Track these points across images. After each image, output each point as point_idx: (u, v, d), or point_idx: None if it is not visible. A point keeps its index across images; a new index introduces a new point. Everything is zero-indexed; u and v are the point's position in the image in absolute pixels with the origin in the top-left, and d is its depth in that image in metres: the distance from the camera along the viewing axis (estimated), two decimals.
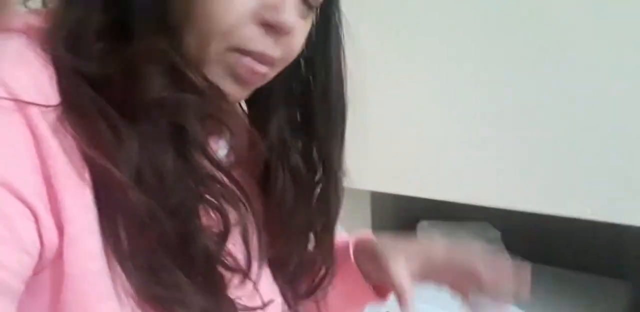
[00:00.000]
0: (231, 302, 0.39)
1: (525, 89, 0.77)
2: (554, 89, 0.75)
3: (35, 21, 0.37)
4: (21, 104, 0.32)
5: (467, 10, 0.79)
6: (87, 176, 0.34)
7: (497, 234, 1.03)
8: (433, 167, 0.85)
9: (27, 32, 0.36)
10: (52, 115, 0.33)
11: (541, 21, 0.75)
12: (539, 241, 1.03)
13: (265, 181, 0.48)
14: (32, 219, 0.32)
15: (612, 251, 1.01)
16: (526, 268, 0.51)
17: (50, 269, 0.33)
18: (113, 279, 0.34)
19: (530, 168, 0.79)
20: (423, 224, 1.10)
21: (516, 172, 0.80)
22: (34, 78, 0.34)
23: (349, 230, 0.60)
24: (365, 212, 1.12)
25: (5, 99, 0.32)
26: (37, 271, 0.33)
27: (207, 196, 0.38)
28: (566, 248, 1.03)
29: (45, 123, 0.33)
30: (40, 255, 0.32)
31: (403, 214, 1.17)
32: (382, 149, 0.85)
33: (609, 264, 1.00)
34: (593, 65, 0.73)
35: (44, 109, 0.33)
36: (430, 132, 0.84)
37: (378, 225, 1.11)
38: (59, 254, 0.33)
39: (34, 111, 0.33)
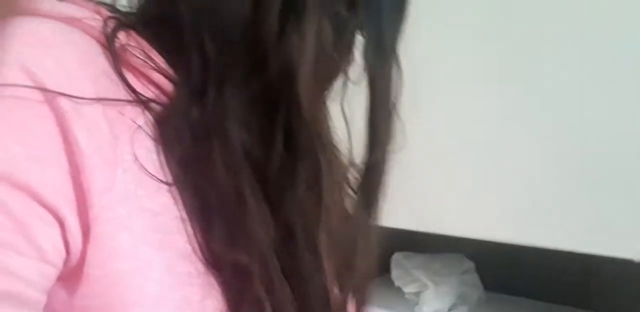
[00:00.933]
0: None
1: (494, 122, 0.81)
2: (528, 119, 0.79)
3: (74, 11, 0.35)
4: (49, 94, 0.30)
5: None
6: (119, 172, 0.32)
7: (471, 265, 1.04)
8: (406, 198, 0.87)
9: (71, 22, 0.34)
10: (86, 107, 0.32)
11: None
12: (512, 272, 1.06)
13: None
14: (56, 225, 0.30)
15: (582, 282, 1.03)
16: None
17: (69, 273, 0.31)
18: (147, 279, 0.33)
19: (503, 199, 0.81)
20: (397, 256, 1.11)
21: (489, 203, 0.82)
22: (71, 66, 0.32)
23: None
24: None
25: (30, 87, 0.30)
26: (60, 277, 0.31)
27: None
28: (537, 279, 1.05)
29: (77, 116, 0.31)
30: (65, 262, 0.31)
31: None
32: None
33: (578, 294, 1.02)
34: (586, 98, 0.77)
35: (75, 100, 0.31)
36: (404, 163, 0.86)
37: None
38: (82, 257, 0.31)
39: (64, 103, 0.31)
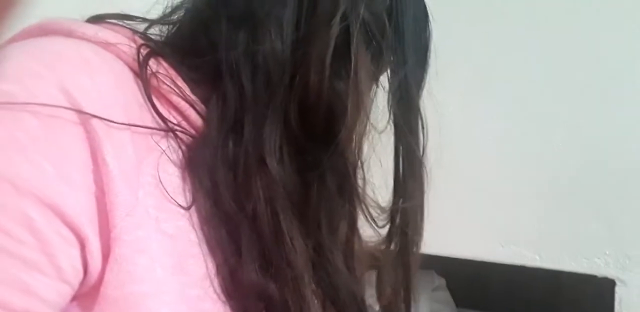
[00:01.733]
0: None
1: (467, 143, 0.82)
2: (498, 141, 0.80)
3: (110, 36, 0.36)
4: (83, 115, 0.31)
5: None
6: (140, 194, 0.33)
7: (442, 281, 1.05)
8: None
9: (106, 46, 0.35)
10: (116, 130, 0.32)
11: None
12: (483, 288, 1.06)
13: None
14: (77, 245, 0.30)
15: (550, 297, 1.04)
16: None
17: (87, 293, 0.32)
18: (161, 302, 0.33)
19: (474, 217, 0.82)
20: (368, 274, 1.10)
21: (462, 221, 0.83)
22: (106, 89, 0.32)
23: None
24: None
25: (67, 108, 0.30)
26: (74, 297, 0.31)
27: None
28: (508, 294, 1.06)
29: (107, 138, 0.31)
30: (82, 283, 0.31)
31: None
32: None
33: (546, 309, 1.03)
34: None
35: (107, 123, 0.31)
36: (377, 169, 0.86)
37: None
38: (100, 277, 0.31)
39: (96, 125, 0.31)
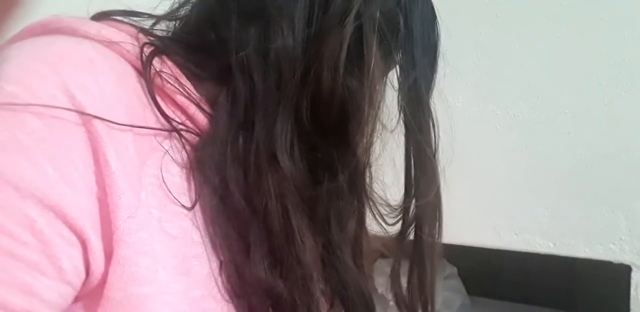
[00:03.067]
0: None
1: (477, 131, 0.81)
2: (508, 127, 0.79)
3: (113, 34, 0.35)
4: (85, 116, 0.30)
5: None
6: (143, 195, 0.33)
7: (453, 269, 1.04)
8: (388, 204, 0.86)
9: (109, 45, 0.34)
10: (118, 131, 0.32)
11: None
12: (495, 276, 1.05)
13: None
14: (79, 246, 0.30)
15: (565, 284, 1.04)
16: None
17: (89, 294, 0.31)
18: (164, 303, 0.33)
19: (484, 204, 0.81)
20: (380, 263, 1.10)
21: (474, 210, 0.82)
22: (108, 89, 0.32)
23: None
24: None
25: (69, 110, 0.30)
26: (76, 298, 0.31)
27: None
28: (521, 282, 1.06)
29: (109, 139, 0.31)
30: (84, 284, 0.31)
31: None
32: None
33: (562, 297, 1.02)
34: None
35: (109, 124, 0.31)
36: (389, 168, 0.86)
37: None
38: (103, 279, 0.31)
39: (98, 125, 0.31)
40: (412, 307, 0.48)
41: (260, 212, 0.37)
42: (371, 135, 0.40)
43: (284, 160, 0.37)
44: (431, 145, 0.45)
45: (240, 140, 0.37)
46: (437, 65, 0.45)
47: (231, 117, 0.38)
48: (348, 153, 0.39)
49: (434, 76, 0.45)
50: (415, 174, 0.44)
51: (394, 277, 0.48)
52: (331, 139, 0.39)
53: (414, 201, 0.45)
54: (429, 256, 0.47)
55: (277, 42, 0.37)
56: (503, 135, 0.79)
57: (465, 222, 0.82)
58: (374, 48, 0.38)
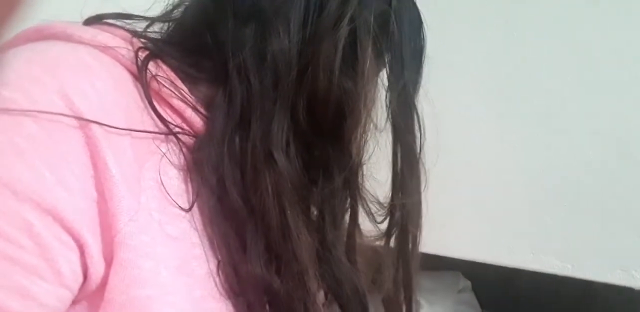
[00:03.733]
0: None
1: (491, 145, 0.78)
2: (525, 145, 0.77)
3: (107, 39, 0.36)
4: (83, 121, 0.31)
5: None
6: (143, 199, 0.33)
7: (467, 283, 1.02)
8: None
9: (104, 50, 0.35)
10: (115, 135, 0.32)
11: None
12: (510, 292, 1.03)
13: None
14: (77, 250, 0.30)
15: (582, 306, 1.01)
16: None
17: (89, 297, 0.32)
18: (166, 304, 0.33)
19: (503, 223, 0.79)
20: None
21: (488, 225, 0.80)
22: (105, 93, 0.32)
23: None
24: None
25: (66, 115, 0.30)
26: (75, 301, 0.31)
27: None
28: (536, 299, 1.03)
29: (107, 143, 0.31)
30: (82, 287, 0.31)
31: None
32: None
33: None
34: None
35: (107, 128, 0.32)
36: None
37: None
38: (104, 282, 0.31)
39: (96, 129, 0.31)
40: (398, 303, 0.49)
41: (257, 210, 0.38)
42: (365, 134, 0.41)
43: (280, 158, 0.38)
44: (417, 146, 0.46)
45: (237, 139, 0.38)
46: (422, 66, 0.47)
47: (227, 117, 0.38)
48: (343, 152, 0.40)
49: (420, 78, 0.47)
50: (402, 173, 0.45)
51: (380, 278, 0.49)
52: (327, 138, 0.40)
53: (400, 198, 0.46)
54: (413, 253, 0.48)
55: (274, 43, 0.37)
56: (519, 151, 0.77)
57: (478, 239, 0.80)
58: (368, 50, 0.39)
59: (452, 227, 0.82)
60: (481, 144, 0.79)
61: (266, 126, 0.38)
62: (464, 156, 0.80)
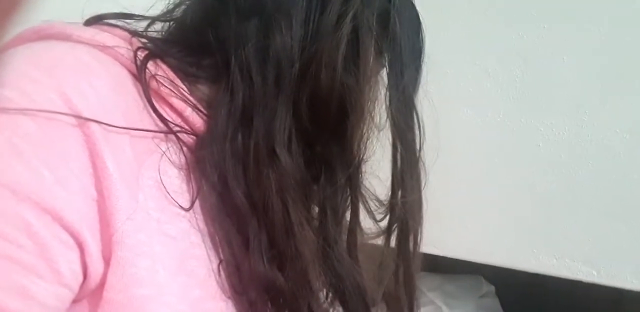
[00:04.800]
0: None
1: (512, 149, 0.76)
2: (544, 149, 0.74)
3: (107, 39, 0.36)
4: (81, 120, 0.31)
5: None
6: (141, 197, 0.33)
7: (491, 288, 0.99)
8: (427, 221, 0.83)
9: (103, 49, 0.35)
10: (114, 134, 0.32)
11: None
12: (535, 297, 1.00)
13: None
14: (76, 249, 0.30)
15: (609, 310, 0.97)
16: None
17: (89, 296, 0.32)
18: (163, 304, 0.33)
19: (526, 227, 0.77)
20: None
21: (512, 230, 0.78)
22: (105, 92, 0.33)
23: None
24: None
25: (65, 114, 0.30)
26: (76, 300, 0.31)
27: None
28: (563, 306, 1.00)
29: (106, 142, 0.31)
30: (82, 286, 0.31)
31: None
32: None
33: None
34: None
35: (106, 126, 0.32)
36: (425, 185, 0.82)
37: None
38: (103, 281, 0.31)
39: (95, 128, 0.31)
40: (399, 301, 0.48)
41: (259, 206, 0.38)
42: (367, 132, 0.41)
43: (283, 155, 0.38)
44: (417, 144, 0.46)
45: (239, 136, 0.38)
46: (422, 65, 0.47)
47: (229, 114, 0.38)
48: (345, 148, 0.40)
49: (419, 76, 0.47)
50: (402, 172, 0.45)
51: (381, 277, 0.49)
52: (329, 134, 0.40)
53: (400, 196, 0.46)
54: (414, 251, 0.48)
55: (276, 39, 0.37)
56: (546, 152, 0.74)
57: (501, 243, 0.78)
58: (371, 48, 0.39)
59: (472, 230, 0.80)
60: (509, 145, 0.77)
61: (269, 123, 0.38)
62: (486, 162, 0.78)
